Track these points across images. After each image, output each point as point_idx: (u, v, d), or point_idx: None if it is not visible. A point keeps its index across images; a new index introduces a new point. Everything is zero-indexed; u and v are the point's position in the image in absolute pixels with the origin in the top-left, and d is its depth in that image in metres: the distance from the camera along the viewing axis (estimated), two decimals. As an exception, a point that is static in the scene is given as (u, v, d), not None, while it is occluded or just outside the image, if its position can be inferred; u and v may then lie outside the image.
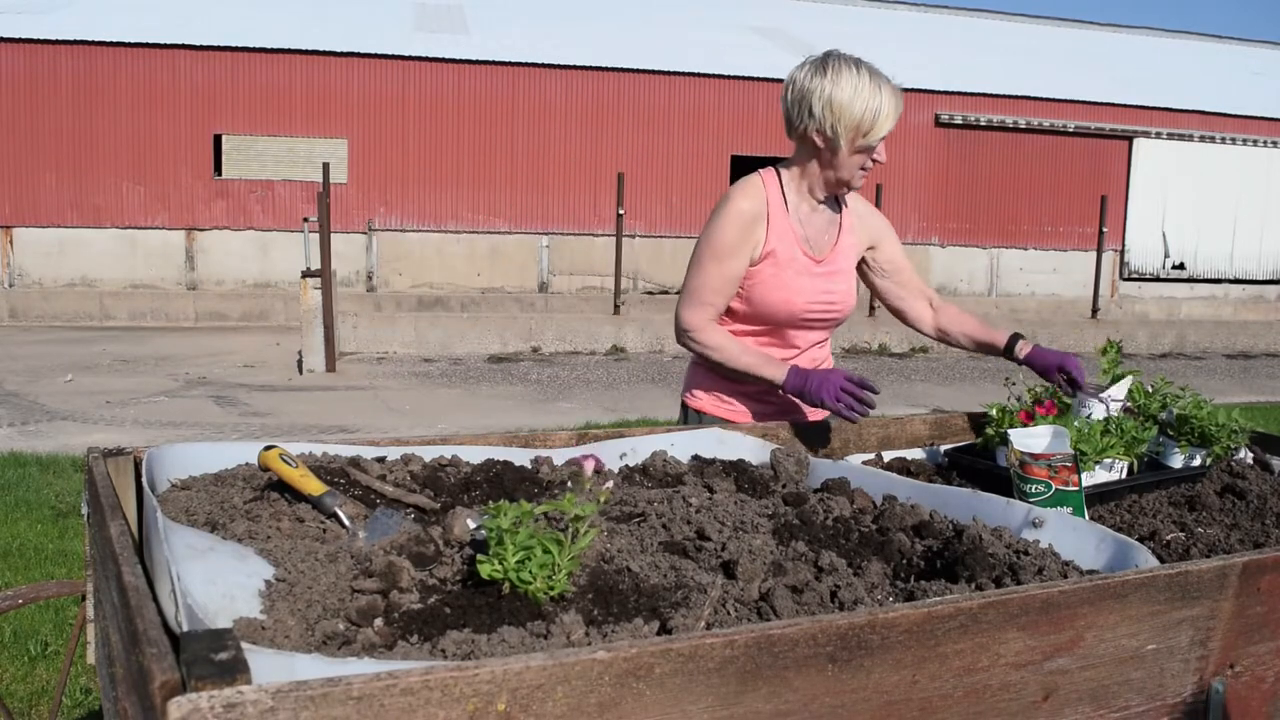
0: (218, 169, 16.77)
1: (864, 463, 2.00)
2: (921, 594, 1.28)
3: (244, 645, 0.84)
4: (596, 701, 0.91)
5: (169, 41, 16.36)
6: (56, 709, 2.26)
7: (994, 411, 2.04)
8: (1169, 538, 1.64)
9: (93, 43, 16.14)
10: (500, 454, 1.81)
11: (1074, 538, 1.45)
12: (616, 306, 14.15)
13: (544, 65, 17.66)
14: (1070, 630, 1.18)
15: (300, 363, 11.05)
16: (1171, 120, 20.40)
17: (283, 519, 1.41)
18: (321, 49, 16.84)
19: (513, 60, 17.56)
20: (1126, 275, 20.51)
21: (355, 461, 1.66)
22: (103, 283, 16.31)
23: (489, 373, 11.36)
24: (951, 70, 19.98)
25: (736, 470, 1.84)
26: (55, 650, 3.69)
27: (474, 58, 17.43)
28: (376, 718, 0.82)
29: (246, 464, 1.62)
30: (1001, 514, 1.55)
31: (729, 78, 18.40)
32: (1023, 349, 2.40)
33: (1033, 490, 1.67)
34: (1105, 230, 16.96)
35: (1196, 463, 2.04)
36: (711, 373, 2.45)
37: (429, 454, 1.78)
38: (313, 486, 1.46)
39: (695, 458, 1.95)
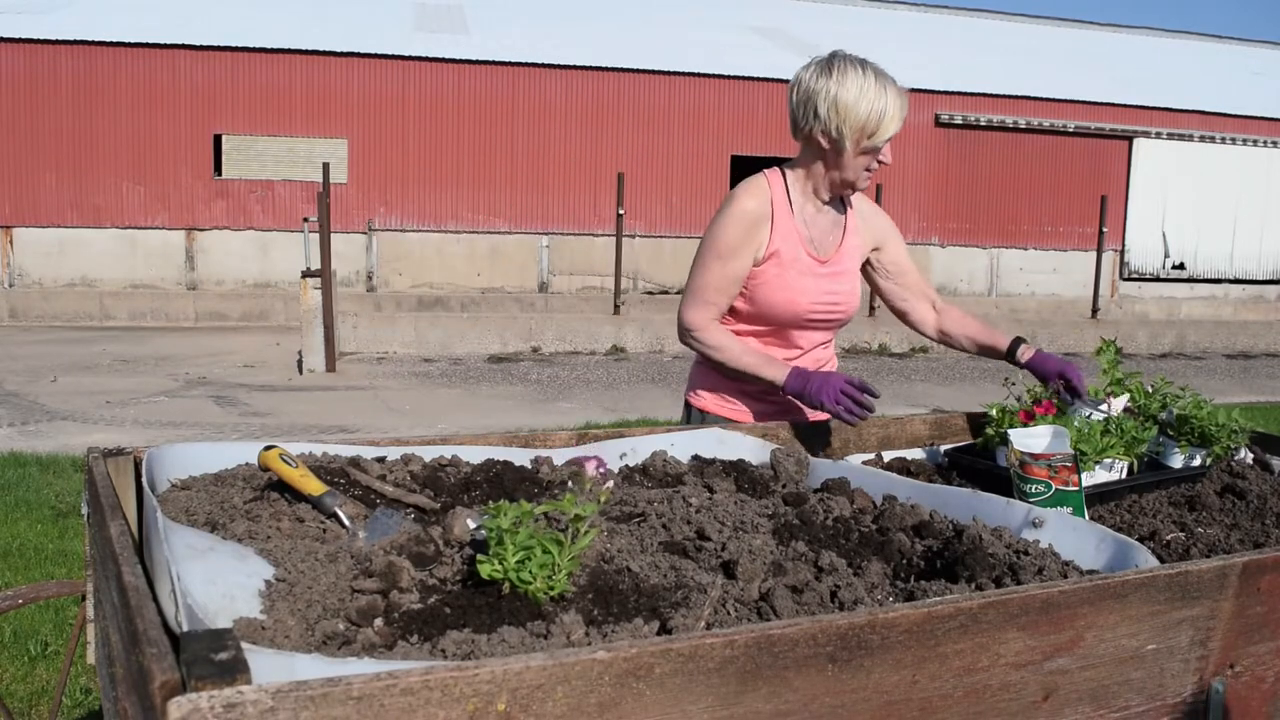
0: (218, 169, 16.77)
1: (864, 463, 2.00)
2: (921, 594, 1.28)
3: (244, 645, 0.84)
4: (596, 701, 0.91)
5: (169, 41, 16.36)
6: (56, 709, 2.26)
7: (994, 412, 2.04)
8: (1169, 538, 1.64)
9: (93, 43, 16.14)
10: (500, 454, 1.81)
11: (1074, 538, 1.45)
12: (616, 306, 14.14)
13: (544, 65, 17.66)
14: (1070, 630, 1.18)
15: (300, 363, 11.05)
16: (1171, 120, 20.40)
17: (283, 519, 1.41)
18: (321, 49, 16.84)
19: (513, 60, 17.56)
20: (1126, 275, 20.51)
21: (355, 461, 1.66)
22: (103, 283, 16.31)
23: (489, 373, 11.36)
24: (951, 70, 19.98)
25: (736, 470, 1.84)
26: (55, 650, 3.69)
27: (474, 58, 17.43)
28: (376, 718, 0.82)
29: (246, 464, 1.62)
30: (1001, 514, 1.55)
31: (729, 78, 18.39)
32: (1024, 354, 2.40)
33: (1033, 490, 1.67)
34: (1105, 230, 16.96)
35: (1196, 463, 2.04)
36: (715, 372, 2.44)
37: (429, 454, 1.78)
38: (313, 486, 1.46)
39: (695, 458, 1.95)
